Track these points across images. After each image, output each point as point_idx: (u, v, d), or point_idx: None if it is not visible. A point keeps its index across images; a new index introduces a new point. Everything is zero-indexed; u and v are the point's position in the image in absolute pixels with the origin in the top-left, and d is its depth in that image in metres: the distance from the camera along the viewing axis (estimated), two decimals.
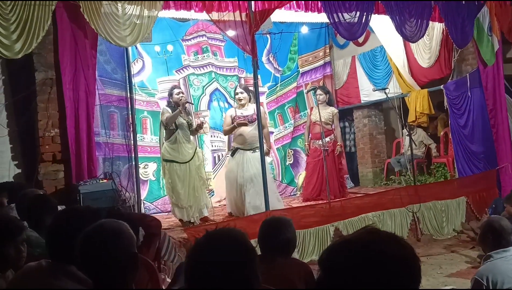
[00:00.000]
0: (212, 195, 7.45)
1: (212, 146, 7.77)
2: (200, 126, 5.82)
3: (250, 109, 6.02)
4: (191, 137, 5.96)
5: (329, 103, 7.35)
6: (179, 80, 7.69)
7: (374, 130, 8.99)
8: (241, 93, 6.12)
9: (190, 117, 5.94)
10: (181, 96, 5.84)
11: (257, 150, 5.84)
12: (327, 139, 7.11)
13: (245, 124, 6.01)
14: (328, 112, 7.26)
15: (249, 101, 6.15)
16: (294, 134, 8.64)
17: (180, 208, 5.78)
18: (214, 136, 7.77)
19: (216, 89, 7.90)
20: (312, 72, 8.90)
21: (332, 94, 7.91)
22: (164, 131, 5.86)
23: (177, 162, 5.73)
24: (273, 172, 7.86)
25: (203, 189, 5.89)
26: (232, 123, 6.05)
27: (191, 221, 5.78)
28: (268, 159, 6.50)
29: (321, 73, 8.93)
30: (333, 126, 7.30)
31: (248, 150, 5.93)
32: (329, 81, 8.97)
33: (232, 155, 6.03)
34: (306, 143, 7.50)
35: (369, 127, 8.95)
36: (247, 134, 5.96)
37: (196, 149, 5.89)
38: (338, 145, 7.21)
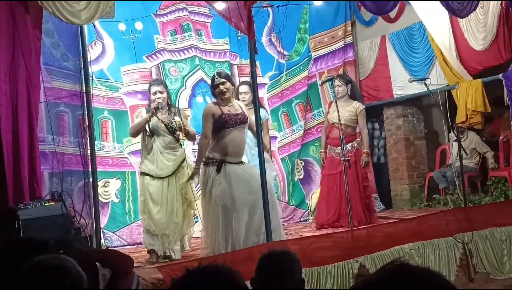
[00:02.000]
0: (196, 222, 7.47)
1: (195, 156, 7.76)
2: (180, 128, 5.85)
3: (236, 107, 5.92)
4: (181, 145, 6.07)
5: (353, 96, 7.37)
6: (151, 69, 7.73)
7: (411, 134, 9.04)
8: (223, 83, 5.85)
9: (176, 119, 5.96)
10: (157, 97, 5.92)
11: (244, 164, 5.78)
12: (348, 146, 7.14)
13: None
14: (350, 110, 7.27)
15: (233, 95, 6.06)
16: (305, 139, 8.70)
17: (152, 235, 5.82)
18: (196, 144, 7.77)
19: (201, 80, 7.95)
20: (329, 57, 8.97)
21: (356, 85, 7.95)
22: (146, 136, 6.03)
23: (151, 176, 5.84)
24: (276, 191, 7.87)
25: (187, 215, 5.94)
26: (220, 125, 5.70)
27: (167, 255, 5.80)
28: (271, 173, 6.48)
29: (341, 58, 8.99)
30: (357, 128, 7.32)
31: (235, 163, 5.80)
32: (351, 69, 9.02)
33: (218, 170, 5.77)
34: (322, 151, 7.49)
35: (405, 131, 9.00)
36: (240, 142, 5.81)
37: (183, 162, 5.94)
38: (364, 153, 7.22)
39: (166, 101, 6.00)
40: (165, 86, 6.10)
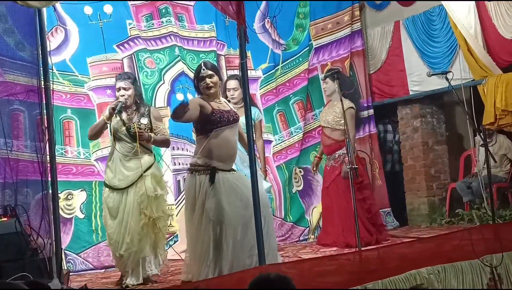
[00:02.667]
0: (175, 242, 7.43)
1: (175, 164, 7.79)
2: (140, 131, 5.90)
3: (225, 105, 5.78)
4: (151, 151, 6.11)
5: (348, 94, 7.39)
6: (122, 60, 7.71)
7: (431, 138, 9.06)
8: (210, 76, 5.80)
9: (143, 121, 5.97)
10: (120, 95, 5.98)
11: (236, 172, 5.75)
12: (336, 154, 7.39)
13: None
14: (335, 111, 7.36)
15: (221, 90, 6.01)
16: (304, 144, 8.73)
17: (116, 256, 5.97)
18: (178, 148, 7.77)
19: (181, 73, 7.94)
20: (333, 46, 9.00)
21: (351, 81, 7.97)
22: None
23: (110, 187, 5.98)
24: (271, 205, 7.82)
25: (148, 234, 5.94)
26: (211, 123, 5.56)
27: (131, 283, 5.85)
28: (265, 185, 6.45)
29: (347, 48, 9.01)
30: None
31: (228, 170, 5.63)
32: (359, 60, 9.04)
33: (212, 179, 5.69)
34: (317, 156, 7.81)
35: (423, 133, 9.02)
36: (234, 144, 5.79)
37: (147, 170, 5.97)
38: (345, 164, 7.15)
39: (134, 99, 6.03)
40: (133, 81, 6.11)
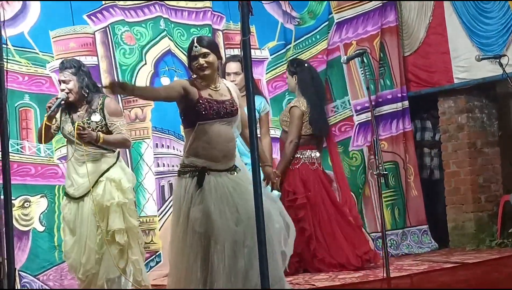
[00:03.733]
0: (158, 263, 7.45)
1: (158, 165, 7.81)
2: (81, 132, 5.96)
3: (224, 91, 5.76)
4: (113, 152, 6.19)
5: (303, 91, 7.58)
6: (94, 35, 7.72)
7: (479, 138, 9.07)
8: (203, 55, 5.78)
9: (94, 118, 6.05)
10: (61, 89, 6.07)
11: (236, 171, 5.76)
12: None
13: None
14: (285, 110, 7.73)
15: (219, 71, 6.01)
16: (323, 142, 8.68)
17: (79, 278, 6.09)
18: (163, 146, 7.78)
19: (167, 52, 7.96)
20: (359, 21, 9.02)
21: (317, 76, 8.00)
22: None
23: (68, 196, 6.18)
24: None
25: (113, 250, 5.98)
26: (194, 115, 5.56)
27: None
28: (274, 193, 6.51)
29: (377, 23, 9.02)
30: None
31: (224, 171, 5.77)
32: (392, 38, 9.07)
33: (200, 182, 5.75)
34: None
35: (469, 132, 9.03)
36: (224, 140, 5.82)
37: (102, 175, 6.07)
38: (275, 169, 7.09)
39: (80, 92, 6.06)
40: (76, 71, 6.12)
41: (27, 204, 7.29)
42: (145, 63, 7.86)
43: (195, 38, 5.75)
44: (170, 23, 8.01)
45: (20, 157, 7.26)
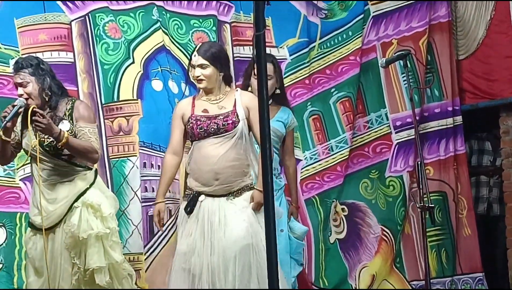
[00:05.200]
0: None
1: (146, 189, 7.79)
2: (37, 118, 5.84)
3: (226, 103, 6.13)
4: (89, 169, 6.20)
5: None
6: (71, 25, 7.74)
7: None
8: (201, 66, 6.10)
9: (63, 127, 6.01)
10: (19, 94, 6.04)
11: (242, 195, 6.02)
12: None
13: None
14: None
15: (223, 83, 6.27)
16: (351, 166, 8.81)
17: None
18: (152, 166, 7.78)
19: (161, 49, 7.97)
20: (402, 15, 9.03)
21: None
22: None
23: (34, 227, 6.14)
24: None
25: None
26: (189, 134, 6.17)
27: None
28: (297, 228, 6.89)
29: (424, 18, 9.02)
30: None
31: (221, 196, 6.02)
32: (443, 38, 9.05)
33: (188, 210, 6.11)
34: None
35: None
36: (218, 159, 6.04)
37: (77, 199, 6.04)
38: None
39: (41, 96, 6.03)
40: (34, 70, 6.08)
41: None
42: (133, 62, 7.87)
43: (200, 45, 6.09)
44: (165, 13, 8.02)
45: None
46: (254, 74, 6.71)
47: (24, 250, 7.22)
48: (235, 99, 6.12)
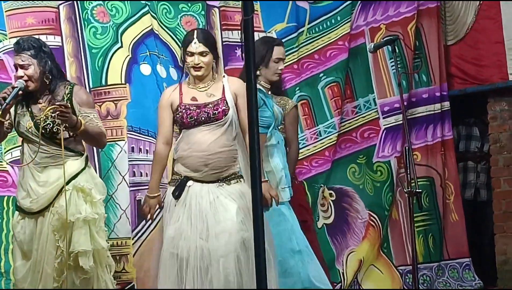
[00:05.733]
0: None
1: (134, 173, 7.83)
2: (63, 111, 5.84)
3: (215, 90, 6.12)
4: (81, 155, 6.18)
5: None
6: (58, 9, 7.75)
7: None
8: (202, 53, 6.06)
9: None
10: (19, 76, 5.99)
11: (232, 183, 6.03)
12: None
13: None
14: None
15: (215, 71, 6.26)
16: (339, 151, 8.84)
17: None
18: (140, 150, 7.81)
19: (150, 33, 7.98)
20: (389, 1, 9.06)
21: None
22: None
23: (21, 210, 6.09)
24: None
25: (73, 278, 5.95)
26: (178, 123, 6.14)
27: None
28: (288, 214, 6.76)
29: (412, 4, 9.03)
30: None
31: (211, 182, 6.04)
32: (431, 22, 9.10)
33: (177, 194, 6.09)
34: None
35: None
36: (208, 146, 6.04)
37: (68, 183, 6.01)
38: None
39: (41, 79, 6.02)
40: (36, 53, 6.05)
41: None
42: (121, 46, 7.87)
43: (196, 31, 6.12)
44: None
45: None
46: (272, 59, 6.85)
47: (12, 234, 7.26)
48: (223, 86, 6.11)
